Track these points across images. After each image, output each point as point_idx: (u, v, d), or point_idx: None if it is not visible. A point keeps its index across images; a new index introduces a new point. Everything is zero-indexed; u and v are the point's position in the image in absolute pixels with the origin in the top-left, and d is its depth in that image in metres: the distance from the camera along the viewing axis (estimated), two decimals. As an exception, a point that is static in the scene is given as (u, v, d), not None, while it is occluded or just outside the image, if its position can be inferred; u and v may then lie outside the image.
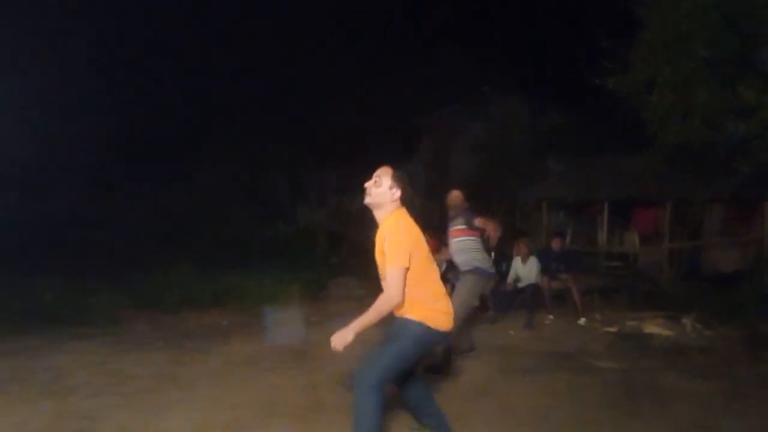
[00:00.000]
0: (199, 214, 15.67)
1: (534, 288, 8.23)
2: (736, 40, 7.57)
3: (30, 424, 3.99)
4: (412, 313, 3.12)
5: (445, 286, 9.68)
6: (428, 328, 3.17)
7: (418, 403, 3.58)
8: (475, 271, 5.66)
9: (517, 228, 12.54)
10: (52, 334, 6.87)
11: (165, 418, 4.09)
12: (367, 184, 3.27)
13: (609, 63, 8.56)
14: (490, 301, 8.30)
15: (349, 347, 2.98)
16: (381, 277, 3.30)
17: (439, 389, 4.82)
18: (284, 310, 3.23)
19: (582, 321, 7.92)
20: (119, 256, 11.66)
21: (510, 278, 8.45)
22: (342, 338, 3.00)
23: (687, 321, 7.44)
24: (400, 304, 3.08)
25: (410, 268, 3.06)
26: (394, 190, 3.22)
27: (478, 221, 5.67)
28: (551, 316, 8.23)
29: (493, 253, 9.22)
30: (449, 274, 9.21)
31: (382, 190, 3.22)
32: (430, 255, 3.30)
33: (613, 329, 7.41)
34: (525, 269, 8.39)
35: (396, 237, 3.10)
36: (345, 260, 11.88)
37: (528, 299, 8.06)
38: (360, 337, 3.01)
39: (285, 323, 3.18)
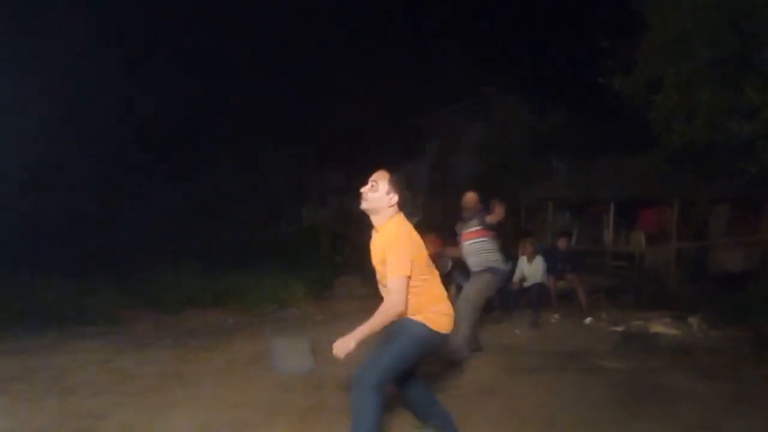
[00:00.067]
0: (202, 213, 15.70)
1: (540, 287, 8.22)
2: (737, 40, 7.53)
3: (33, 423, 3.98)
4: (413, 315, 3.11)
5: (450, 286, 9.73)
6: (429, 330, 3.16)
7: (419, 402, 3.57)
8: (490, 270, 5.73)
9: (522, 228, 12.51)
10: (54, 333, 6.89)
11: (169, 417, 4.08)
12: (363, 189, 3.22)
13: (612, 63, 8.53)
14: (496, 301, 8.28)
15: (351, 354, 2.95)
16: (380, 284, 3.29)
17: (444, 389, 4.81)
18: (291, 339, 3.24)
19: (588, 321, 7.88)
20: (121, 255, 11.67)
21: (516, 278, 8.42)
22: (344, 345, 2.97)
23: (693, 321, 7.40)
24: (403, 311, 3.06)
25: (411, 275, 3.04)
26: (392, 194, 3.18)
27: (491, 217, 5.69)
28: (557, 316, 8.20)
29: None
30: (455, 273, 9.21)
31: (378, 195, 3.17)
32: (429, 259, 3.28)
33: (619, 329, 7.37)
34: (531, 269, 8.38)
35: (397, 245, 3.05)
36: (348, 259, 11.89)
37: (534, 299, 8.04)
38: (362, 343, 3.00)
39: (292, 352, 3.18)
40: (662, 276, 10.40)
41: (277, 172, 17.59)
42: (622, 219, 11.85)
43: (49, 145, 14.36)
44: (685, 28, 7.74)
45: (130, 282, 9.32)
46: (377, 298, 3.15)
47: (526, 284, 8.34)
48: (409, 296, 3.05)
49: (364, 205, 3.21)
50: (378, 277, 3.28)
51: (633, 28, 8.54)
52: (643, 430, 4.02)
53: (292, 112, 20.15)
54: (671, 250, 10.70)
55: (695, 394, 4.81)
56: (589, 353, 6.03)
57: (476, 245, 5.81)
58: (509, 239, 10.66)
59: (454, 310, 5.72)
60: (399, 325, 3.10)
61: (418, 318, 3.11)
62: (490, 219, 5.71)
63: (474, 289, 5.72)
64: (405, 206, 3.24)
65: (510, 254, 9.19)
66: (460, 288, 9.14)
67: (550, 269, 8.50)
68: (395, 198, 3.17)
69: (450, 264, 9.40)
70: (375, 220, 3.23)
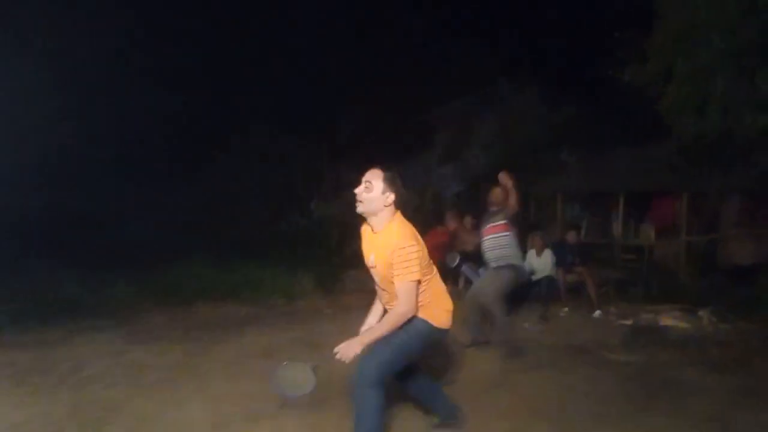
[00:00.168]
0: (214, 207, 15.78)
1: (549, 281, 8.22)
2: (754, 30, 7.46)
3: (50, 414, 4.05)
4: (417, 312, 3.11)
5: (458, 279, 9.74)
6: (432, 326, 3.18)
7: (423, 395, 3.63)
8: (513, 268, 5.80)
9: (532, 220, 12.49)
10: (71, 325, 6.97)
11: (182, 409, 4.14)
12: (357, 191, 3.12)
13: (623, 54, 8.48)
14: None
15: (357, 357, 2.97)
16: (379, 286, 3.27)
17: (453, 382, 4.84)
18: (293, 364, 3.28)
19: (597, 314, 7.88)
20: (135, 249, 11.76)
21: (525, 271, 8.42)
22: (350, 349, 2.97)
23: (703, 314, 7.38)
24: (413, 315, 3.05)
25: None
26: (388, 194, 3.09)
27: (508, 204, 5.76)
28: (566, 309, 8.20)
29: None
30: (464, 267, 9.22)
31: (374, 196, 3.08)
32: (428, 256, 3.23)
33: (628, 322, 7.37)
34: (540, 262, 8.38)
35: (406, 249, 2.98)
36: (358, 253, 11.87)
37: (543, 292, 8.05)
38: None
39: (293, 377, 3.21)
40: (672, 269, 10.37)
41: (288, 165, 17.61)
42: (632, 211, 11.80)
43: (63, 142, 14.48)
44: (699, 18, 7.68)
45: (143, 275, 9.40)
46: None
47: (535, 278, 8.34)
48: None
49: (360, 208, 3.13)
50: (377, 279, 3.25)
51: (645, 18, 8.49)
52: (653, 423, 4.03)
53: (304, 105, 20.11)
54: (681, 243, 10.65)
55: (705, 388, 4.81)
56: (598, 347, 6.04)
57: (498, 239, 5.82)
58: (518, 232, 10.67)
59: (465, 304, 5.78)
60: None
61: (420, 314, 3.11)
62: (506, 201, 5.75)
63: (494, 288, 5.73)
64: (401, 204, 3.17)
65: (520, 247, 9.20)
66: (468, 281, 9.19)
67: (559, 262, 8.49)
68: (392, 197, 3.10)
69: (458, 258, 9.42)
70: (373, 221, 3.16)
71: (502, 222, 5.82)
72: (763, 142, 7.76)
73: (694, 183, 10.54)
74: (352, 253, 12.99)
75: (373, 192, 3.07)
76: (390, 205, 3.10)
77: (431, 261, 3.26)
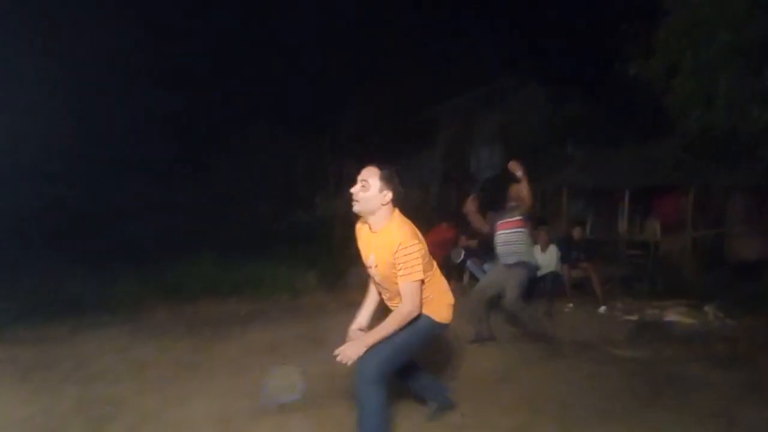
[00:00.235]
0: (218, 204, 15.82)
1: (554, 276, 8.19)
2: (760, 26, 7.40)
3: (54, 411, 4.06)
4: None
5: (462, 275, 9.72)
6: (434, 321, 3.17)
7: (419, 387, 3.67)
8: (526, 265, 5.79)
9: (537, 216, 12.46)
10: (75, 322, 6.98)
11: (186, 405, 4.14)
12: (353, 190, 3.04)
13: (629, 49, 8.43)
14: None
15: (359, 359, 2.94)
16: (380, 286, 3.25)
17: (457, 377, 4.84)
18: (282, 369, 3.27)
19: (602, 310, 7.86)
20: (141, 246, 11.79)
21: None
22: (352, 351, 2.93)
23: (708, 310, 7.36)
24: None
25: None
26: (385, 192, 3.01)
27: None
28: (571, 305, 8.18)
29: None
30: (469, 262, 9.21)
31: (371, 194, 3.00)
32: (429, 254, 3.17)
33: (633, 318, 7.35)
34: (545, 258, 8.34)
35: (408, 248, 2.93)
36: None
37: (548, 288, 8.02)
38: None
39: (282, 383, 3.20)
40: (677, 265, 10.34)
41: (292, 162, 17.64)
42: (637, 207, 11.77)
43: (67, 141, 14.52)
44: (705, 13, 7.63)
45: (147, 272, 9.42)
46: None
47: (540, 273, 8.31)
48: None
49: (356, 208, 3.06)
50: (378, 279, 3.22)
51: (650, 13, 8.44)
52: (657, 419, 4.01)
53: (306, 103, 20.14)
54: (687, 239, 10.62)
55: (710, 384, 4.79)
56: (603, 342, 6.02)
57: (512, 235, 5.80)
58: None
59: (470, 299, 5.78)
60: None
61: (422, 310, 3.07)
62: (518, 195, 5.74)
63: (512, 288, 5.69)
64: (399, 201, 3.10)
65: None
66: (472, 277, 9.18)
67: (564, 258, 8.47)
68: (389, 195, 3.02)
69: (463, 253, 9.42)
70: (372, 221, 3.08)
71: (518, 218, 5.80)
72: (768, 138, 7.72)
73: (700, 179, 10.50)
74: (356, 249, 13.00)
75: (370, 191, 3.00)
76: (388, 203, 3.04)
77: (431, 256, 3.21)
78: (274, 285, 9.25)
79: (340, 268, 10.46)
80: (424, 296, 3.03)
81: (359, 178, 3.04)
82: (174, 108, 17.51)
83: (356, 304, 3.53)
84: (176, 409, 4.08)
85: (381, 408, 3.00)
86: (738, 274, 8.91)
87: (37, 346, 5.86)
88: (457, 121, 19.03)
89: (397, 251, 2.93)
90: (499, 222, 5.95)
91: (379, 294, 3.42)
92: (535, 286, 8.32)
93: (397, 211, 3.10)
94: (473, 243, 9.64)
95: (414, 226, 3.11)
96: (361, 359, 2.97)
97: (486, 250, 9.26)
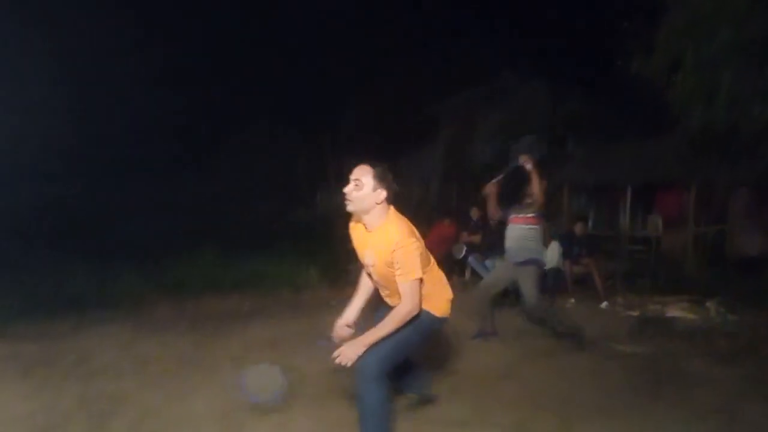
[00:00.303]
0: (221, 200, 15.85)
1: (555, 272, 8.19)
2: (761, 23, 7.39)
3: (56, 407, 4.06)
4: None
5: (464, 271, 9.70)
6: (433, 316, 3.16)
7: (409, 381, 3.70)
8: (535, 262, 5.73)
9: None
10: (77, 318, 6.98)
11: (188, 401, 4.14)
12: (346, 190, 2.99)
13: (631, 45, 8.42)
14: (511, 285, 8.30)
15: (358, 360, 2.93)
16: (378, 284, 3.24)
17: (458, 373, 4.84)
18: (262, 366, 3.26)
19: (604, 305, 7.86)
20: (143, 242, 11.81)
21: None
22: (353, 352, 2.90)
23: (710, 305, 7.36)
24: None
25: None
26: (379, 190, 2.96)
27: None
28: (572, 301, 8.18)
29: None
30: (470, 258, 9.22)
31: (365, 194, 2.96)
32: (426, 249, 3.15)
33: (635, 313, 7.35)
34: (547, 254, 8.34)
35: (406, 247, 2.89)
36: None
37: (550, 284, 8.02)
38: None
39: (262, 380, 3.16)
40: (679, 260, 10.34)
41: (293, 160, 17.66)
42: (639, 203, 11.77)
43: (71, 135, 14.53)
44: (707, 9, 7.61)
45: (149, 268, 9.43)
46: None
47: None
48: None
49: (350, 207, 3.02)
50: (375, 277, 3.20)
51: (652, 9, 8.42)
52: (660, 414, 4.01)
53: (307, 100, 20.13)
54: (688, 235, 10.61)
55: (712, 379, 4.80)
56: (605, 338, 6.01)
57: (526, 231, 5.72)
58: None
59: (475, 295, 5.77)
60: None
61: (423, 306, 3.04)
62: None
63: (529, 288, 5.67)
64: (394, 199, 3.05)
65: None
66: (474, 272, 9.19)
67: (566, 254, 8.47)
68: (383, 194, 2.98)
69: (464, 249, 9.42)
70: (367, 220, 3.04)
71: (533, 215, 5.73)
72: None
73: (701, 174, 10.49)
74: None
75: (364, 190, 2.95)
76: (382, 202, 3.00)
77: (428, 252, 3.18)
78: (275, 281, 9.26)
79: (341, 264, 10.47)
80: (423, 292, 2.99)
81: (352, 177, 2.99)
82: (175, 107, 17.53)
83: (370, 302, 3.52)
84: (178, 405, 4.08)
85: (382, 405, 2.99)
86: (740, 269, 8.90)
87: (39, 343, 5.85)
88: (457, 119, 19.00)
89: (394, 250, 2.90)
90: (513, 215, 5.87)
91: (372, 290, 3.42)
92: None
93: (392, 209, 3.06)
94: (475, 239, 9.65)
95: (410, 224, 3.07)
96: (361, 357, 2.94)
97: (487, 246, 9.27)
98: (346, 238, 3.30)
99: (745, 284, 8.04)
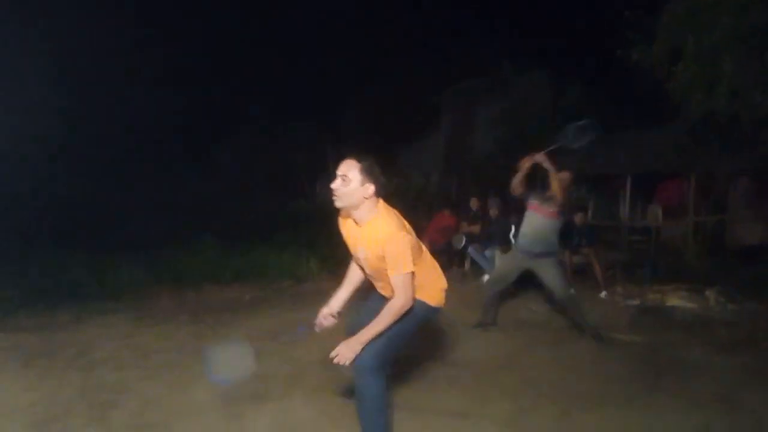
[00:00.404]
0: (221, 191, 15.85)
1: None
2: (763, 11, 7.35)
3: (58, 397, 4.08)
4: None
5: (464, 261, 9.69)
6: (428, 306, 3.15)
7: None
8: (551, 254, 5.71)
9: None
10: (78, 309, 7.00)
11: (188, 391, 4.16)
12: (333, 186, 2.95)
13: (632, 34, 8.39)
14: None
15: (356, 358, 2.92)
16: (372, 277, 3.24)
17: (460, 363, 4.86)
18: (230, 345, 3.20)
19: (603, 295, 7.86)
20: (144, 233, 11.82)
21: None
22: (349, 351, 2.89)
23: (710, 294, 7.36)
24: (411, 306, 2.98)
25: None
26: (367, 185, 2.91)
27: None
28: (572, 290, 8.17)
29: (513, 227, 9.21)
30: (470, 249, 9.22)
31: (352, 189, 2.91)
32: (418, 240, 3.13)
33: (635, 303, 7.36)
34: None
35: (397, 241, 2.87)
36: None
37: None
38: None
39: (229, 359, 3.10)
40: (679, 250, 10.34)
41: (293, 150, 17.63)
42: (639, 193, 11.76)
43: (72, 126, 14.53)
44: None
45: (150, 259, 9.45)
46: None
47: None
48: None
49: (339, 203, 2.99)
50: (368, 271, 3.20)
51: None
52: (659, 403, 4.03)
53: (308, 90, 20.09)
54: (688, 224, 10.62)
55: (712, 367, 4.82)
56: (604, 327, 6.01)
57: (546, 223, 5.64)
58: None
59: (485, 286, 5.73)
60: None
61: (418, 296, 3.04)
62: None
63: (555, 279, 5.65)
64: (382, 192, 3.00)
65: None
66: (474, 263, 9.20)
67: (565, 244, 8.46)
68: (371, 188, 2.93)
69: (464, 240, 9.42)
70: (357, 215, 3.01)
71: (554, 209, 5.66)
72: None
73: (702, 164, 10.48)
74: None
75: (351, 185, 2.91)
76: (371, 196, 2.95)
77: (420, 242, 3.16)
78: (276, 273, 9.28)
79: (341, 254, 10.50)
80: (416, 283, 2.97)
81: (338, 173, 2.95)
82: (175, 102, 17.52)
83: (363, 290, 3.53)
84: (179, 395, 4.10)
85: (380, 395, 2.99)
86: (739, 259, 8.91)
87: (40, 334, 5.87)
88: (458, 109, 18.98)
89: (385, 245, 2.88)
90: (534, 202, 5.75)
91: (360, 281, 3.44)
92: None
93: (381, 202, 3.03)
94: (474, 229, 9.65)
95: (400, 216, 3.05)
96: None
97: (487, 236, 9.28)
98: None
99: (744, 273, 8.04)
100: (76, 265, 8.85)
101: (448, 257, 9.49)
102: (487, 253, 8.93)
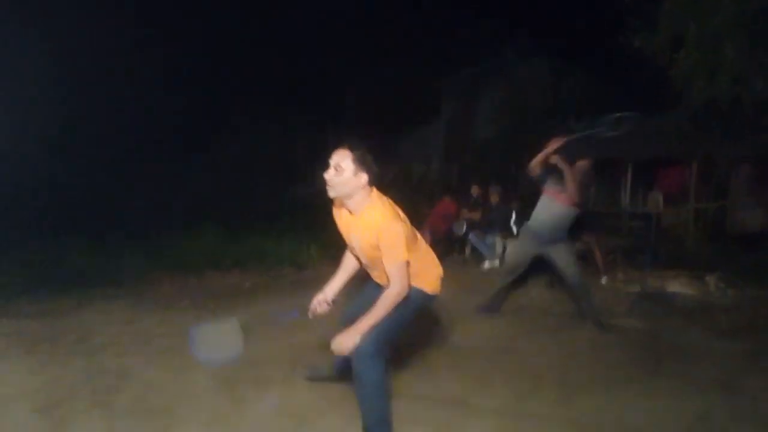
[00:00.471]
0: (223, 178, 15.85)
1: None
2: None
3: (60, 382, 4.10)
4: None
5: (464, 248, 9.68)
6: (425, 293, 3.18)
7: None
8: (565, 239, 5.68)
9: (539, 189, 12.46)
10: (80, 295, 7.02)
11: (190, 376, 4.18)
12: (327, 176, 2.94)
13: (634, 21, 8.34)
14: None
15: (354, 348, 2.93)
16: (367, 267, 3.25)
17: (460, 348, 4.88)
18: (217, 322, 3.16)
19: (604, 281, 7.88)
20: (146, 220, 11.83)
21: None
22: (348, 341, 2.90)
23: (710, 280, 7.37)
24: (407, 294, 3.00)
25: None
26: (360, 174, 2.92)
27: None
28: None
29: (514, 214, 9.21)
30: (470, 235, 9.23)
31: (345, 178, 2.91)
32: (413, 228, 3.14)
33: (635, 289, 7.38)
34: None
35: (391, 230, 2.88)
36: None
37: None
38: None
39: (217, 338, 3.04)
40: (680, 236, 10.34)
41: (293, 136, 17.60)
42: (640, 179, 11.75)
43: (73, 113, 14.51)
44: None
45: (152, 246, 9.47)
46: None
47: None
48: None
49: (332, 193, 2.99)
50: (363, 260, 3.22)
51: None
52: (658, 387, 4.05)
53: (309, 77, 20.02)
54: (689, 210, 10.61)
55: (712, 353, 4.83)
56: (605, 313, 6.03)
57: (564, 211, 5.57)
58: (527, 200, 10.65)
59: (501, 273, 5.73)
60: None
61: (415, 284, 3.06)
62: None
63: (569, 264, 5.63)
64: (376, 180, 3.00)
65: (527, 215, 9.20)
66: (474, 249, 9.21)
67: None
68: (365, 177, 2.93)
69: (465, 226, 9.43)
70: (350, 205, 3.01)
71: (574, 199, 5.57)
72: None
73: (703, 150, 10.46)
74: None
75: (345, 174, 2.91)
76: (364, 185, 2.96)
77: (414, 230, 3.16)
78: (277, 258, 9.30)
79: (341, 241, 10.50)
80: (412, 271, 2.99)
81: (331, 162, 2.94)
82: (177, 96, 17.48)
83: (359, 278, 3.54)
84: (181, 380, 4.12)
85: (380, 381, 3.01)
86: (740, 245, 8.91)
87: (43, 320, 5.89)
88: (459, 96, 18.93)
89: (379, 234, 2.89)
90: (552, 188, 5.66)
91: (355, 269, 3.46)
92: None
93: (375, 191, 3.03)
94: (475, 216, 9.66)
95: (394, 205, 3.06)
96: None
97: (487, 222, 9.29)
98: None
99: (745, 260, 8.04)
100: (77, 251, 8.87)
101: (448, 244, 9.51)
102: (488, 239, 8.94)
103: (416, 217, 10.36)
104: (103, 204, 13.48)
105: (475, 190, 10.20)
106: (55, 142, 14.29)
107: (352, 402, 3.23)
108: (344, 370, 3.76)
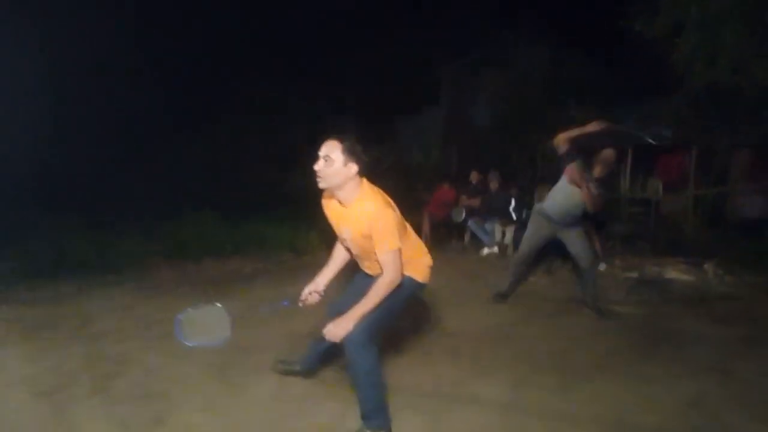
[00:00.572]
0: (222, 164, 15.83)
1: (554, 235, 8.21)
2: None
3: (61, 368, 4.13)
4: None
5: (463, 234, 9.68)
6: (416, 282, 3.19)
7: (316, 353, 3.77)
8: (579, 224, 5.64)
9: (539, 175, 12.45)
10: (80, 281, 7.05)
11: (189, 361, 4.20)
12: (316, 167, 2.93)
13: (634, 6, 8.30)
14: (512, 248, 8.38)
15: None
16: (358, 255, 3.25)
17: (458, 335, 4.90)
18: (203, 306, 3.14)
19: (602, 267, 7.89)
20: (145, 205, 11.84)
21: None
22: (341, 329, 2.91)
23: (708, 267, 7.40)
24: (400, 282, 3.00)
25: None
26: (350, 165, 2.90)
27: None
28: (571, 262, 8.21)
29: (513, 200, 9.21)
30: (470, 222, 9.24)
31: (335, 169, 2.89)
32: (402, 217, 3.12)
33: (633, 275, 7.40)
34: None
35: (383, 220, 2.87)
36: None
37: (548, 245, 8.05)
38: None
39: (205, 321, 3.02)
40: (679, 223, 10.34)
41: (293, 123, 17.54)
42: (640, 165, 11.73)
43: (72, 98, 14.49)
44: None
45: (151, 232, 9.48)
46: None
47: (541, 231, 8.34)
48: None
49: (322, 185, 2.98)
50: (355, 251, 3.22)
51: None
52: (654, 372, 4.07)
53: (309, 63, 19.94)
54: (688, 197, 10.60)
55: (708, 338, 4.86)
56: (603, 299, 6.06)
57: (578, 198, 5.50)
58: (526, 187, 10.65)
59: (514, 261, 5.75)
60: None
61: (404, 272, 3.05)
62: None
63: (583, 249, 5.58)
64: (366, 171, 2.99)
65: (526, 202, 9.23)
66: (473, 236, 9.22)
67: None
68: (354, 168, 2.91)
69: (464, 213, 9.44)
70: (341, 196, 3.00)
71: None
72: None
73: (703, 137, 10.43)
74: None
75: (334, 165, 2.89)
76: (354, 175, 2.94)
77: (404, 220, 3.16)
78: (276, 244, 9.32)
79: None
80: (403, 259, 2.99)
81: (320, 153, 2.93)
82: (178, 68, 17.43)
83: (349, 269, 3.55)
84: (180, 365, 4.14)
85: (373, 368, 3.03)
86: (739, 231, 8.91)
87: (43, 305, 5.93)
88: (458, 82, 18.87)
89: (371, 224, 2.89)
90: (573, 173, 5.51)
91: (346, 260, 3.47)
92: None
93: (365, 181, 3.02)
94: (474, 202, 9.66)
95: (385, 194, 3.06)
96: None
97: (486, 209, 9.29)
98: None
99: (743, 246, 8.05)
100: (76, 238, 8.87)
101: (447, 230, 9.52)
102: (487, 226, 8.95)
103: (415, 204, 10.39)
104: (103, 191, 13.50)
105: (474, 177, 10.19)
106: (53, 132, 14.29)
107: (348, 390, 3.25)
108: (313, 365, 3.85)
